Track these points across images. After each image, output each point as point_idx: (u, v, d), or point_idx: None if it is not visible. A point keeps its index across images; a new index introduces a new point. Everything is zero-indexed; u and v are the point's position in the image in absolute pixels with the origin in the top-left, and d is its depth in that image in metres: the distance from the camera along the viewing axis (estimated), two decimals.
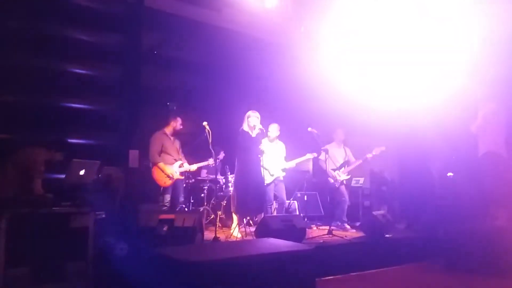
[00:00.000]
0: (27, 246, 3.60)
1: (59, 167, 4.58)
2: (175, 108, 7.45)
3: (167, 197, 5.80)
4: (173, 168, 5.83)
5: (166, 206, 5.74)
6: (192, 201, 6.77)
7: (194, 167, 6.05)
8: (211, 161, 6.01)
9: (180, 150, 6.10)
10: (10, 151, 4.35)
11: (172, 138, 5.98)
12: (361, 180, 8.25)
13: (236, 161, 5.74)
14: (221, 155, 7.01)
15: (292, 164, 6.33)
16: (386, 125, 8.97)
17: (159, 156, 5.78)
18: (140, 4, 4.89)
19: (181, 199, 5.99)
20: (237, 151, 5.71)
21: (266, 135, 6.07)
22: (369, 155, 6.84)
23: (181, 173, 5.93)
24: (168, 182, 5.76)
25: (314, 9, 6.16)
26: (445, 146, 9.44)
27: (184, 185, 6.40)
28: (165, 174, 5.73)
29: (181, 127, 5.99)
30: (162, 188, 5.80)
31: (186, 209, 6.35)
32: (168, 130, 5.95)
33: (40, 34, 5.87)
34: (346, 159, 7.02)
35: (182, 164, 5.95)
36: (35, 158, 4.27)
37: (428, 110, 8.99)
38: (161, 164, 5.72)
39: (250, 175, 5.52)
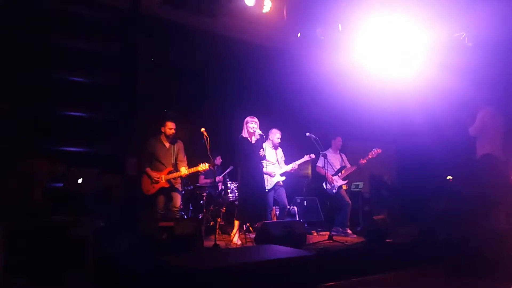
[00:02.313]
0: (26, 255, 3.57)
1: (57, 176, 4.56)
2: (173, 114, 7.46)
3: (158, 205, 5.58)
4: (160, 175, 5.62)
5: (160, 214, 5.55)
6: (191, 208, 6.75)
7: (183, 172, 5.67)
8: (203, 166, 5.72)
9: (180, 156, 5.82)
10: (9, 160, 4.33)
11: (167, 144, 5.77)
12: (361, 184, 8.24)
13: (238, 168, 5.71)
14: (218, 160, 6.99)
15: (289, 167, 6.29)
16: (384, 129, 9.02)
17: (149, 162, 5.66)
18: (136, 12, 4.90)
19: (177, 206, 5.71)
20: (238, 158, 5.68)
21: (267, 140, 6.07)
22: (363, 161, 6.82)
23: (168, 181, 5.62)
24: (152, 190, 5.58)
25: (309, 13, 6.17)
26: (443, 149, 9.49)
27: (183, 192, 6.20)
28: (150, 181, 5.58)
29: (172, 131, 5.71)
30: (151, 196, 5.63)
31: (185, 216, 6.31)
32: (162, 136, 5.77)
33: (37, 43, 5.87)
34: (343, 164, 7.01)
35: (170, 171, 5.67)
36: (37, 170, 4.25)
37: (425, 113, 9.06)
38: (147, 170, 5.60)
39: (252, 182, 5.50)
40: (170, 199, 5.65)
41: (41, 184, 4.35)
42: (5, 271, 3.46)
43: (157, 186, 5.57)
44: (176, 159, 5.79)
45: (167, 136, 5.74)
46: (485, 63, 8.41)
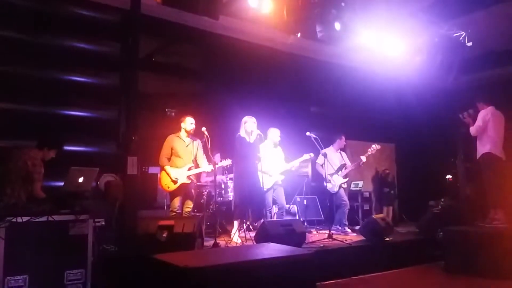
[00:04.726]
0: (26, 254, 3.59)
1: (58, 174, 4.57)
2: (173, 114, 7.47)
3: (175, 203, 5.45)
4: (180, 171, 5.45)
5: (175, 212, 5.41)
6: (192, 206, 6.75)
7: (205, 168, 5.63)
8: (225, 162, 5.74)
9: (199, 154, 5.68)
10: (10, 159, 4.34)
11: (187, 140, 5.61)
12: (360, 183, 8.27)
13: (234, 167, 5.72)
14: (217, 158, 6.94)
15: (289, 166, 6.29)
16: (384, 128, 9.04)
17: (169, 159, 5.52)
18: (137, 12, 4.92)
19: (191, 206, 5.59)
20: (235, 157, 5.69)
21: (266, 139, 6.08)
22: (362, 158, 6.83)
23: (189, 177, 5.50)
24: (172, 187, 5.42)
25: (309, 13, 6.19)
26: (444, 148, 9.52)
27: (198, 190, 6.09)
28: (170, 178, 5.42)
29: (193, 126, 5.57)
30: (169, 194, 5.57)
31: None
32: (182, 132, 5.62)
33: (38, 43, 5.89)
34: (343, 162, 7.02)
35: (190, 167, 5.52)
36: (33, 162, 4.25)
37: (426, 112, 9.08)
38: (167, 168, 5.43)
39: (249, 181, 5.51)
40: (187, 197, 5.56)
41: (42, 177, 4.35)
42: (6, 269, 3.47)
43: (178, 183, 5.44)
44: (195, 156, 5.66)
45: (187, 132, 5.61)
46: (485, 63, 8.46)
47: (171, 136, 5.63)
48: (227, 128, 6.56)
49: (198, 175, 6.08)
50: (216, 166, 5.62)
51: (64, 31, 6.05)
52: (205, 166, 5.64)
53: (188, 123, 5.60)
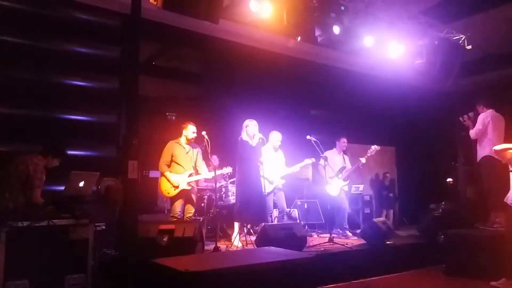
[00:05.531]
0: (26, 258, 3.59)
1: (58, 179, 4.57)
2: (174, 118, 7.48)
3: (176, 209, 5.44)
4: (180, 178, 5.46)
5: (176, 218, 5.39)
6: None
7: (206, 175, 5.67)
8: (226, 170, 5.82)
9: (199, 161, 5.70)
10: (10, 163, 4.34)
11: (187, 147, 5.61)
12: (361, 187, 8.26)
13: (236, 170, 5.72)
14: (215, 160, 6.93)
15: (290, 170, 6.29)
16: (384, 130, 9.05)
17: (169, 166, 5.52)
18: (137, 16, 4.94)
19: (192, 211, 5.59)
20: (237, 160, 5.69)
21: (267, 142, 6.08)
22: (362, 159, 6.82)
23: (189, 184, 5.50)
24: (172, 193, 5.43)
25: (308, 17, 6.20)
26: (444, 151, 9.52)
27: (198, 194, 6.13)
28: (170, 184, 5.43)
29: (194, 135, 5.57)
30: (169, 199, 5.58)
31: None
32: (182, 138, 5.62)
33: (38, 47, 5.91)
34: (344, 164, 7.02)
35: (191, 173, 5.53)
36: (35, 167, 4.25)
37: (427, 115, 9.08)
38: (167, 174, 5.44)
39: (251, 184, 5.50)
40: (187, 202, 5.55)
41: (43, 183, 4.35)
42: (6, 274, 3.47)
43: (178, 189, 5.44)
44: (195, 163, 5.66)
45: (188, 140, 5.61)
46: (485, 66, 8.47)
47: (171, 142, 5.63)
48: (227, 132, 6.57)
49: (197, 181, 6.07)
50: (216, 172, 5.60)
51: (64, 35, 6.07)
52: (205, 172, 5.66)
53: (190, 131, 5.60)
